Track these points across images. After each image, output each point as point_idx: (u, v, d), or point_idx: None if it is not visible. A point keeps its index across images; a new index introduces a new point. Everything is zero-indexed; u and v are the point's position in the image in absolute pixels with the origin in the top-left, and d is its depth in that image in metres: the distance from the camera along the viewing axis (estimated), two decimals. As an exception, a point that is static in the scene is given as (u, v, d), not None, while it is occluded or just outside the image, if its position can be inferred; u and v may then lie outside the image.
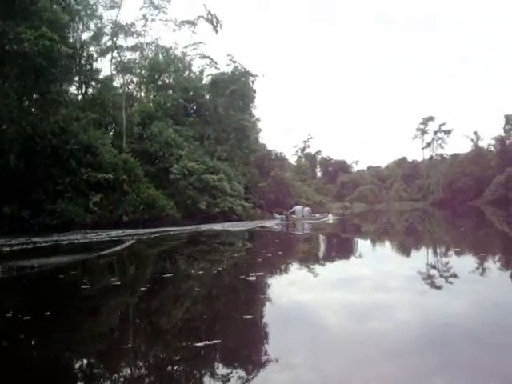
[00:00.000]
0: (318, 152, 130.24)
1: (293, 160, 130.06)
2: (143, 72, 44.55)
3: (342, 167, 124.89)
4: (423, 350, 5.27)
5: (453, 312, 6.95)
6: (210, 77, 45.59)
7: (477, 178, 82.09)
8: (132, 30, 48.93)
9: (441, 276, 10.21)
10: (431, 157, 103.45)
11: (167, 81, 43.94)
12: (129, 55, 45.29)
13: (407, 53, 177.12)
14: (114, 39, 47.20)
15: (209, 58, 47.75)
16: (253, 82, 49.85)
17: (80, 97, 38.71)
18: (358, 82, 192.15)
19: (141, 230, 27.59)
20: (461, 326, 6.20)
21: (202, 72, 45.85)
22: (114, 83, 44.82)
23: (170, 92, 43.27)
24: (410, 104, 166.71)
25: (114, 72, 46.07)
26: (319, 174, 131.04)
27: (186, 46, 48.35)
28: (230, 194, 36.46)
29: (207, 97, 43.29)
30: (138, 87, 45.65)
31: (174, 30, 50.02)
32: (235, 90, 43.44)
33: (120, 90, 38.74)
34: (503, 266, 12.23)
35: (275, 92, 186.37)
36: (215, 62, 47.76)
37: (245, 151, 43.13)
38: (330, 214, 42.11)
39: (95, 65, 40.12)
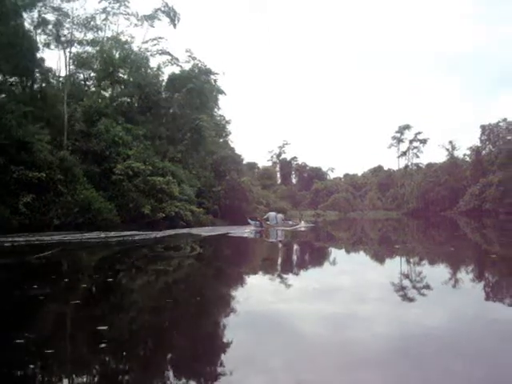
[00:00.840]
0: (294, 158, 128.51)
1: (267, 165, 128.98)
2: (98, 67, 41.76)
3: (318, 174, 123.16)
4: (398, 359, 5.40)
5: (428, 322, 7.02)
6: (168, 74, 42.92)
7: (451, 188, 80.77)
8: (92, 23, 46.75)
9: (415, 287, 10.32)
10: (406, 166, 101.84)
11: (123, 77, 41.08)
12: (89, 49, 43.13)
13: (385, 59, 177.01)
14: (72, 32, 45.32)
15: (168, 53, 45.19)
16: (215, 80, 47.54)
17: (20, 90, 35.82)
18: (336, 88, 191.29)
19: (78, 235, 25.04)
20: (435, 336, 6.22)
21: (159, 68, 43.17)
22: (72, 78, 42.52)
23: (123, 88, 40.47)
24: (388, 111, 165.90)
25: (73, 67, 43.86)
26: (294, 181, 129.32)
27: (146, 41, 45.84)
28: (179, 199, 33.78)
29: (163, 94, 40.49)
30: (94, 83, 42.82)
31: (136, 24, 47.63)
32: (192, 88, 40.87)
33: (61, 85, 35.70)
34: (475, 276, 12.42)
35: (251, 97, 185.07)
36: (176, 59, 45.21)
37: (201, 153, 40.55)
38: (303, 222, 41.40)
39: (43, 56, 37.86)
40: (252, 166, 74.18)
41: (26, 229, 26.32)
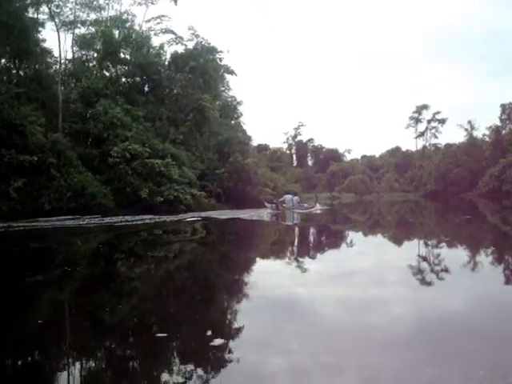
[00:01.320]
0: (310, 140, 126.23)
1: (283, 147, 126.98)
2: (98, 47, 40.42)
3: (334, 156, 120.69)
4: (418, 342, 5.35)
5: (447, 305, 6.97)
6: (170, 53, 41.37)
7: (470, 169, 78.09)
8: (95, 3, 45.44)
9: (433, 270, 10.17)
10: (424, 147, 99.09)
11: (123, 56, 39.62)
12: (93, 30, 41.88)
13: (402, 38, 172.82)
14: (75, 13, 44.09)
15: (172, 32, 43.58)
16: (221, 59, 45.81)
17: (14, 71, 34.63)
18: (353, 68, 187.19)
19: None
20: (456, 319, 6.20)
21: (161, 47, 41.54)
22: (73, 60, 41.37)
23: (125, 68, 39.04)
24: (406, 91, 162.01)
25: (76, 48, 42.71)
26: (310, 163, 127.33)
27: (149, 20, 44.26)
28: (179, 182, 32.44)
29: (165, 74, 38.98)
30: (95, 63, 41.51)
31: (140, 3, 46.13)
32: (194, 66, 39.29)
33: (56, 66, 34.43)
34: (495, 259, 12.12)
35: (266, 78, 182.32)
36: (181, 38, 43.57)
37: (205, 134, 39.08)
38: (318, 204, 39.87)
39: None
40: (263, 148, 72.51)
41: (16, 215, 25.26)
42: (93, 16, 43.80)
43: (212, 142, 39.01)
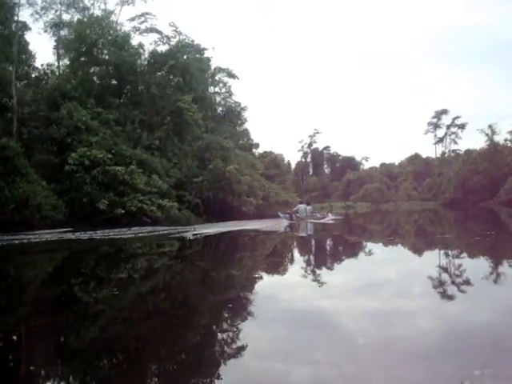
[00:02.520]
0: (326, 148, 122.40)
1: (298, 156, 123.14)
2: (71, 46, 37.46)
3: (351, 164, 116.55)
4: (443, 355, 5.15)
5: (474, 318, 6.70)
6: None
7: (491, 176, 73.03)
8: (81, 4, 43.02)
9: (458, 282, 9.55)
10: (443, 153, 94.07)
11: (98, 56, 36.54)
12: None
13: (420, 42, 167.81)
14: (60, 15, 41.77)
15: (157, 31, 40.42)
16: (208, 59, 42.47)
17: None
18: (369, 74, 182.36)
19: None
20: (483, 333, 5.96)
21: (141, 46, 38.28)
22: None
23: (97, 68, 35.91)
24: (425, 96, 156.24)
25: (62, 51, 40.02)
26: (327, 171, 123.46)
27: (133, 19, 41.21)
28: (145, 191, 29.00)
29: (141, 74, 35.71)
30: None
31: (127, 2, 43.34)
32: (173, 65, 35.96)
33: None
34: None
35: (280, 86, 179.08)
36: (167, 38, 40.35)
37: (187, 139, 35.64)
38: (330, 214, 39.26)
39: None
40: (268, 155, 68.74)
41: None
42: (78, 17, 41.45)
43: (192, 147, 35.44)
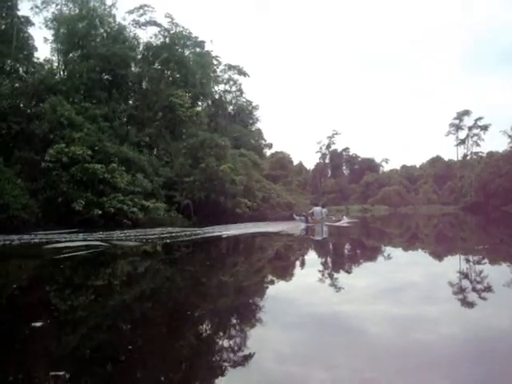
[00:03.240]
0: (346, 149, 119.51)
1: (316, 157, 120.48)
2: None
3: (370, 166, 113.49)
4: (467, 362, 5.16)
5: (498, 324, 6.65)
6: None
7: (513, 179, 69.52)
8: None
9: (481, 288, 9.25)
10: (465, 155, 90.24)
11: (90, 49, 34.66)
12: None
13: (443, 41, 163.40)
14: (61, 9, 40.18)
15: (155, 24, 38.49)
16: (209, 52, 40.27)
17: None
18: (391, 74, 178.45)
19: None
20: (507, 339, 5.96)
21: (136, 39, 36.38)
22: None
23: (86, 61, 34.02)
24: (448, 96, 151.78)
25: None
26: (345, 173, 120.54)
27: (132, 11, 39.37)
28: (127, 191, 26.98)
29: (133, 68, 33.76)
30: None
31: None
32: (167, 58, 33.94)
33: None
34: None
35: (298, 85, 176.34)
36: (168, 32, 38.37)
37: (177, 135, 33.58)
38: (345, 217, 38.90)
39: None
40: (279, 155, 66.44)
41: None
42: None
43: (185, 144, 33.31)
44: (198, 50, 39.51)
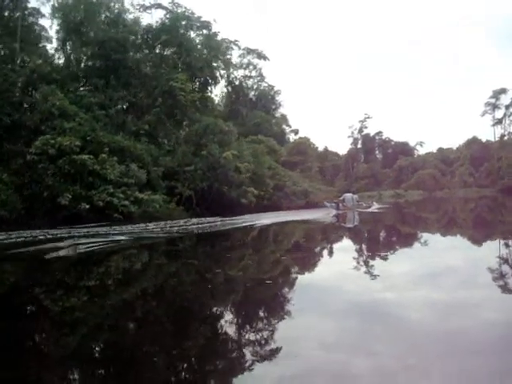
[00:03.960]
0: (378, 133, 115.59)
1: (348, 142, 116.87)
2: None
3: (404, 150, 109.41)
4: (509, 349, 5.12)
5: None
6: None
7: (553, 159, 65.31)
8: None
9: None
10: (502, 135, 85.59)
11: (88, 35, 32.94)
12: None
13: (477, 21, 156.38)
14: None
15: (160, 6, 36.53)
16: (216, 34, 38.02)
17: None
18: (423, 54, 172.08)
19: None
20: None
21: (136, 23, 34.47)
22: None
23: (84, 48, 32.35)
24: (483, 75, 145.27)
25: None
26: (379, 158, 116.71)
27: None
28: (123, 183, 25.21)
29: (132, 52, 31.87)
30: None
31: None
32: (167, 41, 31.95)
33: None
34: None
35: (328, 69, 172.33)
36: (170, 12, 36.26)
37: (183, 123, 31.65)
38: (375, 203, 40.19)
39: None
40: (296, 140, 63.83)
41: None
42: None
43: (187, 131, 31.34)
44: (204, 31, 37.24)
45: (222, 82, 63.95)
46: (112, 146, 27.04)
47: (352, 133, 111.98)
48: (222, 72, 41.20)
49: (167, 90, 30.35)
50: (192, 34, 35.75)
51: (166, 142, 30.94)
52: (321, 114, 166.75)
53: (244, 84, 66.39)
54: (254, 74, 65.35)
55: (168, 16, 36.17)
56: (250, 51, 62.80)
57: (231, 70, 63.83)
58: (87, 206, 23.64)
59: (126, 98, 30.48)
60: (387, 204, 50.90)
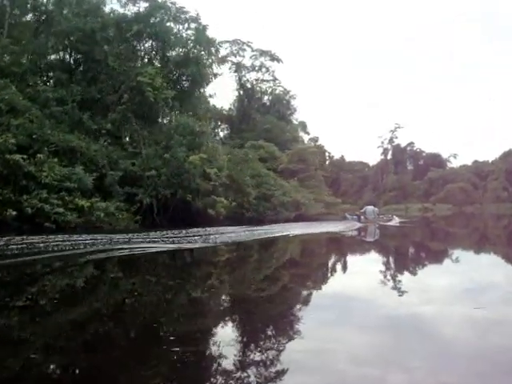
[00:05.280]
0: (410, 144, 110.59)
1: (378, 153, 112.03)
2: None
3: (435, 161, 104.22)
4: None
5: None
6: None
7: None
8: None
9: None
10: (542, 146, 79.62)
11: (56, 26, 30.15)
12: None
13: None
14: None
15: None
16: (204, 27, 34.71)
17: None
18: (454, 63, 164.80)
19: None
20: None
21: (113, 12, 31.56)
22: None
23: (52, 40, 29.59)
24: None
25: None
26: (410, 169, 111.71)
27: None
28: (64, 187, 22.08)
29: (102, 44, 28.90)
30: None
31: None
32: (140, 30, 28.87)
33: None
34: None
35: (355, 77, 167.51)
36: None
37: (152, 123, 28.46)
38: (396, 217, 38.55)
39: None
40: (319, 148, 60.15)
41: None
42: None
43: (155, 132, 28.08)
44: (193, 25, 34.06)
45: (234, 85, 61.11)
46: (61, 145, 24.01)
47: (382, 143, 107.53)
48: (216, 71, 37.61)
49: (135, 85, 27.16)
50: (174, 27, 32.49)
51: (130, 142, 27.59)
52: (347, 124, 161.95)
53: (258, 88, 63.20)
54: (267, 77, 62.11)
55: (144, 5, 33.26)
56: (262, 53, 59.60)
57: (243, 72, 60.88)
58: (14, 213, 20.49)
59: (91, 93, 27.42)
60: (413, 218, 48.84)
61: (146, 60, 30.99)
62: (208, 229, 21.73)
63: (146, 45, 31.34)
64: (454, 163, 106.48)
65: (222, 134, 61.18)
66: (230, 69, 60.36)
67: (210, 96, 41.74)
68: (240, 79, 61.16)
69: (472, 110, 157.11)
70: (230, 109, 62.97)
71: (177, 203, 25.72)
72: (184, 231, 20.82)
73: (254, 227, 24.23)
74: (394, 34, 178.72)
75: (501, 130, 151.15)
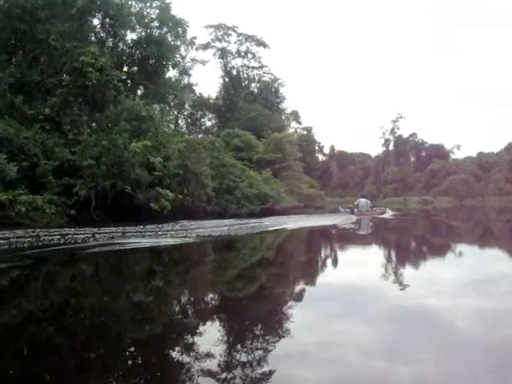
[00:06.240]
0: (413, 135, 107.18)
1: (379, 143, 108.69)
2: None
3: (438, 153, 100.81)
4: None
5: None
6: None
7: None
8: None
9: None
10: (545, 138, 76.27)
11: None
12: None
13: None
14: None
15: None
16: (168, 6, 32.11)
17: None
18: (461, 51, 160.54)
19: None
20: None
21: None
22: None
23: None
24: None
25: None
26: (412, 160, 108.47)
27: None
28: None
29: (44, 22, 26.38)
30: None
31: None
32: (85, 6, 26.31)
33: None
34: None
35: (360, 65, 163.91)
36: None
37: (95, 107, 25.96)
38: (388, 210, 38.20)
39: None
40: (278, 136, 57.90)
41: None
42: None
43: (98, 117, 25.56)
44: (156, 3, 31.51)
45: (219, 72, 58.62)
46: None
47: (383, 133, 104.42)
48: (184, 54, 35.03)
49: (77, 66, 24.62)
50: (136, 6, 29.96)
51: (73, 130, 25.11)
52: (346, 114, 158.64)
53: (245, 75, 60.54)
54: (254, 63, 59.46)
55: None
56: (248, 38, 56.92)
57: (228, 58, 58.32)
58: None
59: (32, 76, 24.98)
60: (411, 211, 48.64)
61: (94, 39, 28.38)
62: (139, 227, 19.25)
63: (96, 22, 28.74)
64: (458, 154, 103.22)
65: (209, 124, 58.75)
66: (214, 55, 57.89)
67: (193, 84, 39.49)
68: (225, 66, 58.61)
69: (478, 99, 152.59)
70: (216, 97, 60.49)
71: (118, 196, 23.17)
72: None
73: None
74: (394, 18, 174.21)
75: (509, 120, 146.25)
